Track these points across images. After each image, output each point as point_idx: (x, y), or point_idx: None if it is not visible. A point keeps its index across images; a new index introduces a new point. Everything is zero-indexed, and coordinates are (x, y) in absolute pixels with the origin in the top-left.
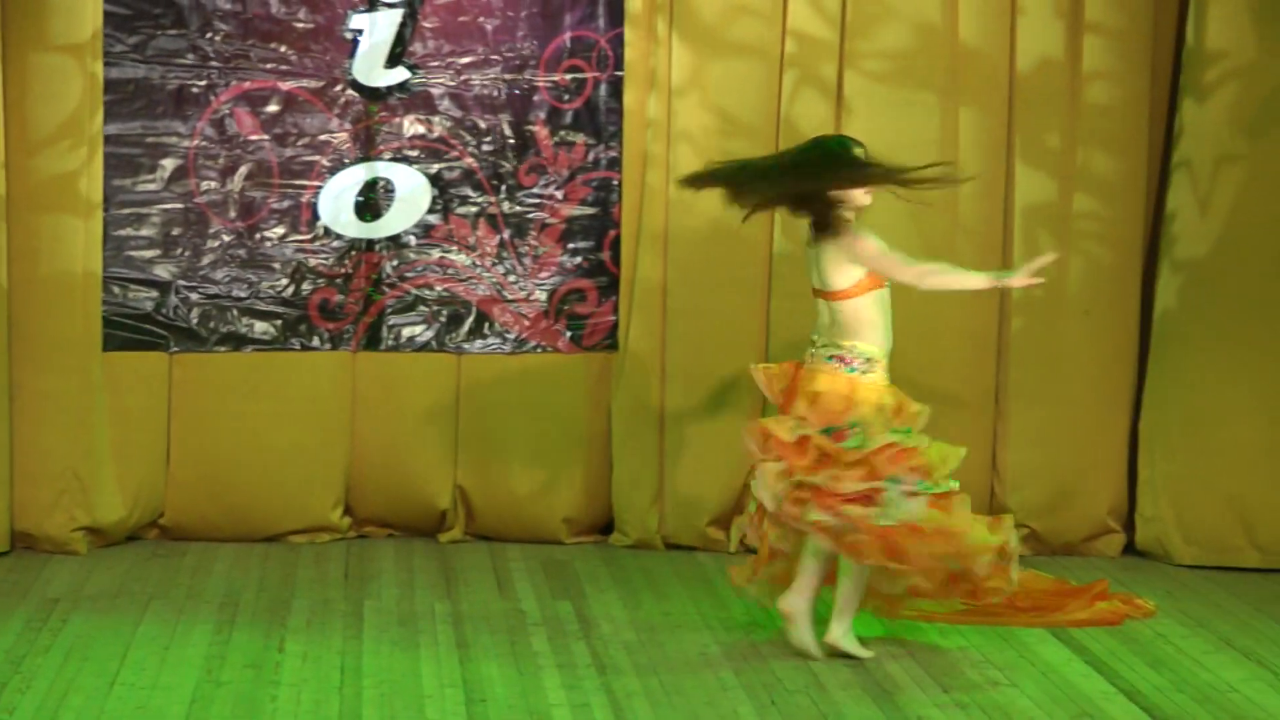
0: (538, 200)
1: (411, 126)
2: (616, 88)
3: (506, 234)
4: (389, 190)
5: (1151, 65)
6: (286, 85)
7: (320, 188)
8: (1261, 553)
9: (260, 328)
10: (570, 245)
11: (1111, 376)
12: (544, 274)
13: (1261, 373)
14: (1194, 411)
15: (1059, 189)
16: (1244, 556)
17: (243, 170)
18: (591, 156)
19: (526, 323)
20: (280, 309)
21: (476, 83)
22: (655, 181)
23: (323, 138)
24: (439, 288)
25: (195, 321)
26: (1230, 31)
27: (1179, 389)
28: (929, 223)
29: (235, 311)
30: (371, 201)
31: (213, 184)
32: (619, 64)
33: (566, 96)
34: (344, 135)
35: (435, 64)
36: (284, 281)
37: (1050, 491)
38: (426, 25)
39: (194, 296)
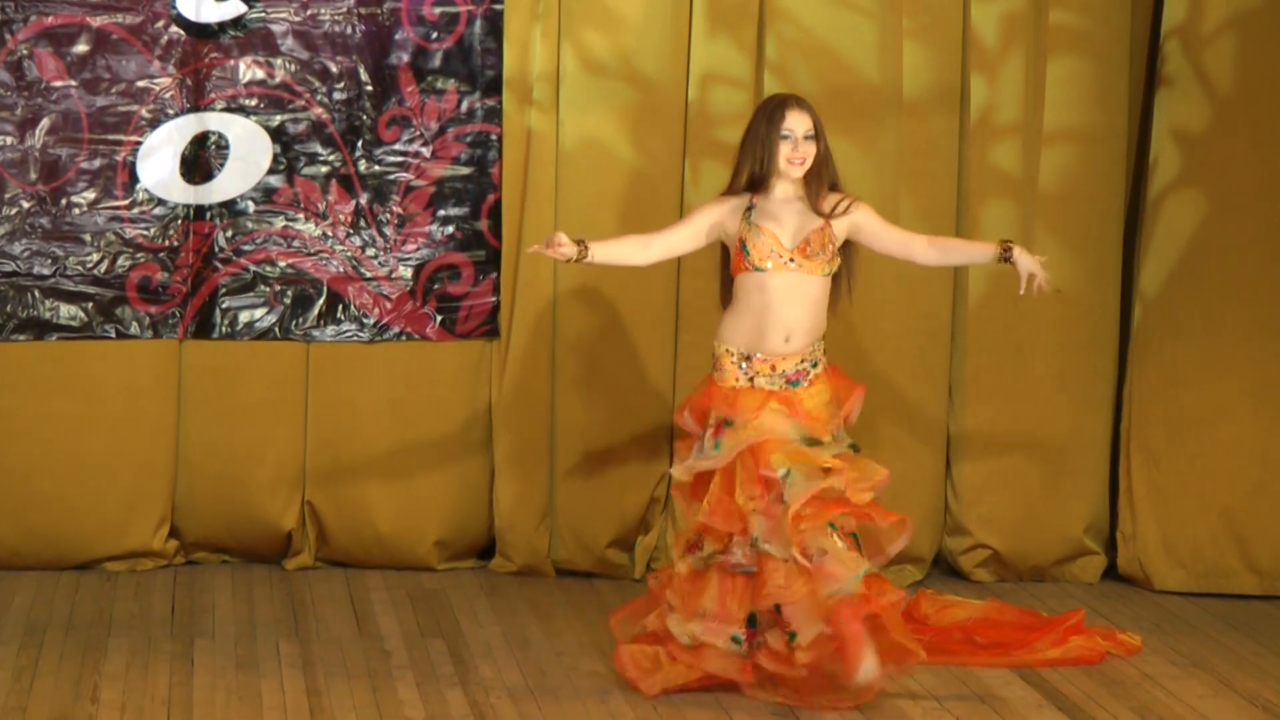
0: (401, 159)
1: (249, 70)
2: (495, 23)
3: (364, 199)
4: (222, 147)
5: (1131, 32)
6: (98, 21)
7: (139, 144)
8: (1259, 576)
9: (67, 312)
10: (441, 212)
11: (1087, 369)
12: (409, 247)
13: (1259, 367)
14: (1182, 411)
15: (1024, 150)
16: (1239, 581)
17: (45, 123)
18: (465, 106)
19: (389, 305)
20: (92, 289)
21: (326, 17)
22: (543, 135)
23: (142, 84)
24: (283, 263)
25: None
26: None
27: (1165, 385)
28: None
29: (37, 293)
30: (201, 160)
31: (9, 139)
32: None
33: (435, 34)
34: (167, 81)
35: None
36: (96, 256)
37: (1016, 506)
38: None
39: None
